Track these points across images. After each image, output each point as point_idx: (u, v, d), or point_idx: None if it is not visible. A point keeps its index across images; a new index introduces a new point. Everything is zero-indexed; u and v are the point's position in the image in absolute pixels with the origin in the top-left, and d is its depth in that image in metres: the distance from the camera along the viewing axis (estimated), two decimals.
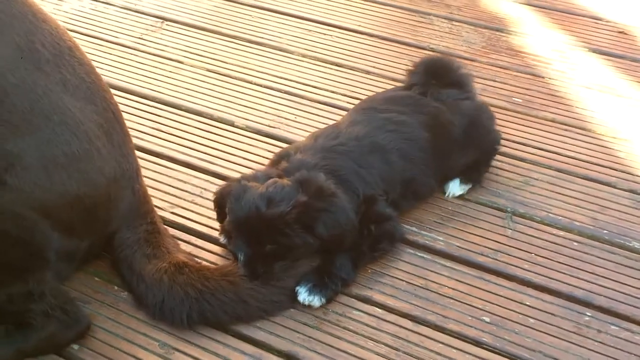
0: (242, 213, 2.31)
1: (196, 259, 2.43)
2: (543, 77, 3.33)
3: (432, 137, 2.60)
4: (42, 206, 2.09)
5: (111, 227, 2.32)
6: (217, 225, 2.51)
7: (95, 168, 2.19)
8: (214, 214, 2.56)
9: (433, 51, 3.45)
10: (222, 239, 2.49)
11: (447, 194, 2.69)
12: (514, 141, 2.94)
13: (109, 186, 2.24)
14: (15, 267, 2.09)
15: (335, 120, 2.96)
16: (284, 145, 2.87)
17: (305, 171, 2.40)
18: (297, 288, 2.31)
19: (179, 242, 2.48)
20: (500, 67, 3.38)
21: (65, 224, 2.16)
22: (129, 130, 2.42)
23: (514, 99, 3.19)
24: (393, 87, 2.87)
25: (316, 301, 2.30)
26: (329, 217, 2.32)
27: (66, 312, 2.16)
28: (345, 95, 3.19)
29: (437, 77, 2.73)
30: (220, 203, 2.44)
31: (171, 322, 2.23)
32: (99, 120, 2.23)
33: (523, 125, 3.05)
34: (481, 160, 2.74)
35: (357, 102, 3.10)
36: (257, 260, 2.30)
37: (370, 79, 3.29)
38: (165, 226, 2.49)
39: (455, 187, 2.69)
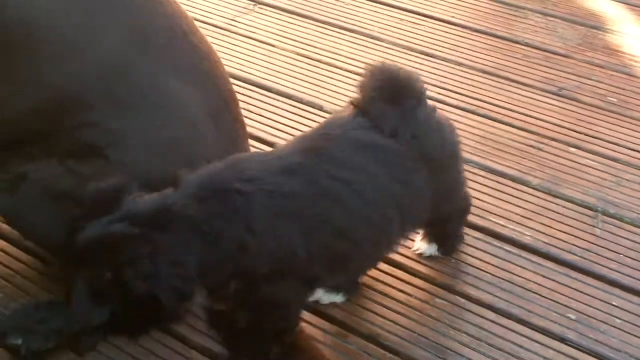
0: None
1: None
2: (639, 78, 3.26)
3: None
4: (146, 185, 2.10)
5: None
6: None
7: (198, 153, 2.15)
8: None
9: (528, 46, 3.40)
10: None
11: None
12: (606, 140, 2.88)
13: None
14: None
15: None
16: None
17: None
18: None
19: None
20: (596, 65, 3.31)
21: None
22: None
23: (608, 98, 3.13)
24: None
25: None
26: None
27: None
28: (435, 86, 3.16)
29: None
30: None
31: None
32: (207, 107, 2.19)
33: (617, 125, 2.98)
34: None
35: (448, 93, 3.10)
36: None
37: (463, 71, 3.26)
38: None
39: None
